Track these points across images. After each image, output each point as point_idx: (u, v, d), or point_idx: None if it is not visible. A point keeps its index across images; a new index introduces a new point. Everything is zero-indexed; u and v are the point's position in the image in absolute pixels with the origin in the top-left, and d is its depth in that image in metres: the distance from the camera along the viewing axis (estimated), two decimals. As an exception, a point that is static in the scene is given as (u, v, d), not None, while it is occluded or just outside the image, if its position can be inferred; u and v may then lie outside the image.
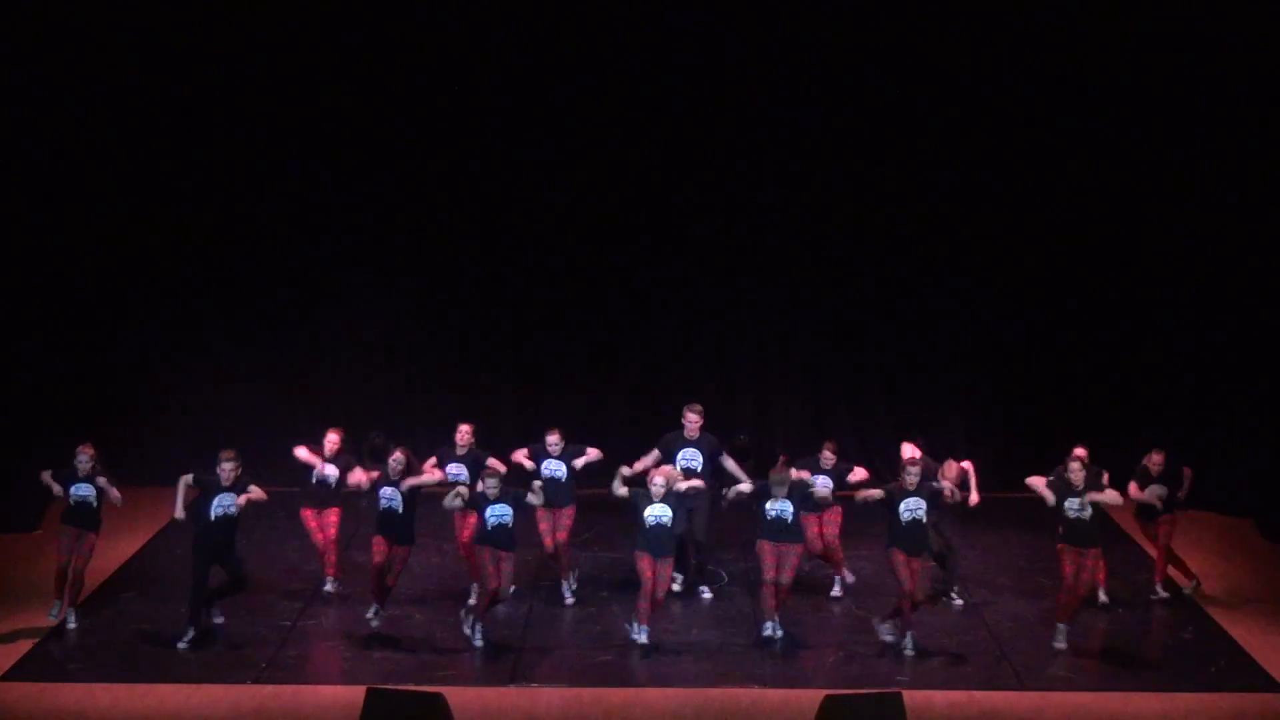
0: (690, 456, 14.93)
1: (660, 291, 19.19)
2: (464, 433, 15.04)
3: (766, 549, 14.08)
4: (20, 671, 13.37)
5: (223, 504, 13.90)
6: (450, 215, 18.96)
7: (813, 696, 12.31)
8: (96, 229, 18.52)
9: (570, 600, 15.09)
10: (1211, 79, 17.60)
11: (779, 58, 18.45)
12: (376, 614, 14.25)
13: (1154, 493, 15.09)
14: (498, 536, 13.92)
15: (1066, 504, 13.97)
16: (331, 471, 15.02)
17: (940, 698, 13.04)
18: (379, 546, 14.18)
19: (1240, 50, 17.32)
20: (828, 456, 15.00)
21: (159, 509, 17.58)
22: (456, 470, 14.80)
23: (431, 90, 18.53)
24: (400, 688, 12.51)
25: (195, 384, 18.82)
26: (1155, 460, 15.31)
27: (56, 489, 14.27)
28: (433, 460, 14.88)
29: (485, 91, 18.50)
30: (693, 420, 14.94)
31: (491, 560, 13.92)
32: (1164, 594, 15.38)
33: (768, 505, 14.07)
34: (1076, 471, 14.00)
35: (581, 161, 18.82)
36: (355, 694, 12.23)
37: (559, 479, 14.93)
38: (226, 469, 13.91)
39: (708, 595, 15.23)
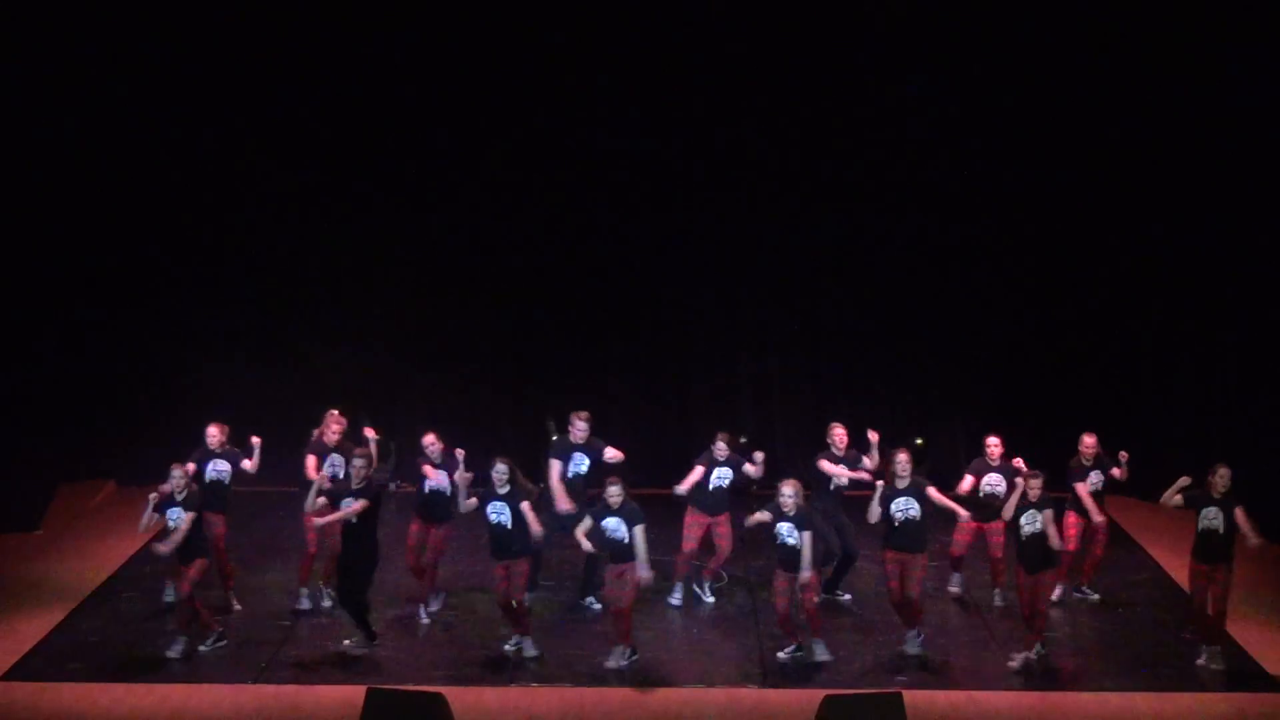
0: (578, 460, 15.03)
1: (661, 287, 19.11)
2: (334, 427, 14.92)
3: (890, 559, 13.88)
4: (21, 671, 13.36)
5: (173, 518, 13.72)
6: (454, 212, 18.87)
7: (813, 696, 12.37)
8: (100, 228, 18.42)
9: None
10: (1214, 76, 17.52)
11: (781, 50, 18.31)
12: (518, 644, 13.94)
13: (1090, 483, 14.83)
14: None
15: (1202, 513, 13.72)
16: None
17: (941, 698, 13.04)
18: (498, 572, 13.82)
19: (1242, 50, 17.26)
20: (721, 448, 14.81)
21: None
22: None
23: (440, 88, 18.51)
24: (400, 687, 12.52)
25: (196, 386, 18.66)
26: (1087, 444, 14.98)
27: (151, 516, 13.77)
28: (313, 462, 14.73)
29: (489, 86, 18.44)
30: (581, 427, 15.05)
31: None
32: (1093, 595, 15.31)
33: (893, 507, 13.79)
34: (1223, 478, 13.59)
35: (582, 155, 18.71)
36: (356, 694, 12.27)
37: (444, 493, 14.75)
38: (359, 465, 13.72)
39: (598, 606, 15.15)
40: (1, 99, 17.30)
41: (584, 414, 15.14)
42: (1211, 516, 13.66)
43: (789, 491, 13.57)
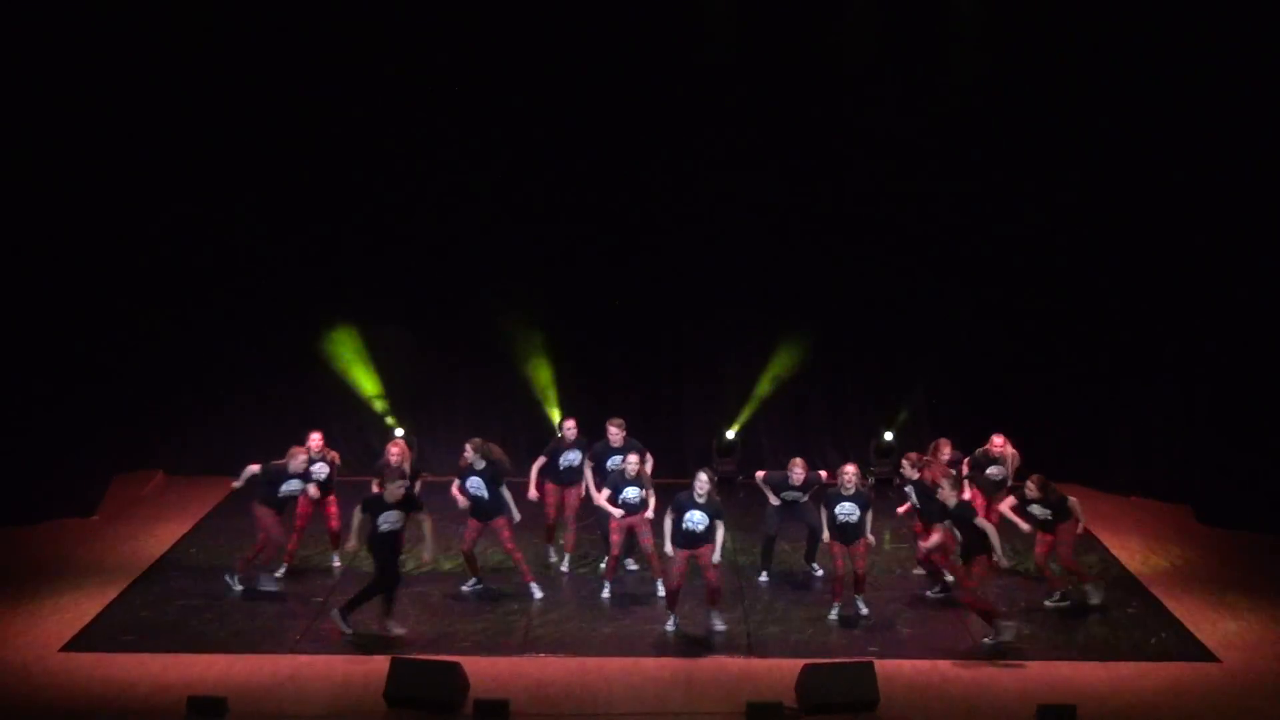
0: (619, 463, 14.99)
1: (656, 291, 18.74)
2: (393, 450, 15.05)
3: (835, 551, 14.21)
4: (80, 643, 13.38)
5: (389, 521, 13.57)
6: (456, 219, 18.42)
7: (793, 665, 12.49)
8: (153, 230, 17.98)
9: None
10: (1180, 83, 17.16)
11: (775, 54, 17.93)
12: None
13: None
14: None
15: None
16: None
17: (908, 666, 13.07)
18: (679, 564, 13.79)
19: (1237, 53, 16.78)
20: (702, 481, 14.03)
21: (204, 497, 17.75)
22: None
23: (449, 92, 18.07)
24: (421, 657, 12.55)
25: (239, 381, 18.62)
26: (996, 444, 15.48)
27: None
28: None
29: (494, 92, 18.03)
30: (614, 433, 15.19)
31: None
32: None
33: (838, 511, 14.09)
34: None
35: (572, 162, 18.30)
36: (381, 663, 12.39)
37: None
38: (398, 489, 13.64)
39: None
40: (65, 98, 16.79)
41: (618, 420, 15.29)
42: (1039, 513, 14.56)
43: (851, 470, 14.08)
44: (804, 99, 18.10)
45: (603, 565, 15.13)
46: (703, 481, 13.62)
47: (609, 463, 15.11)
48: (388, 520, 13.53)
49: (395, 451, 14.99)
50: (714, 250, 18.62)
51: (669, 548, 13.75)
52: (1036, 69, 17.66)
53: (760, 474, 15.22)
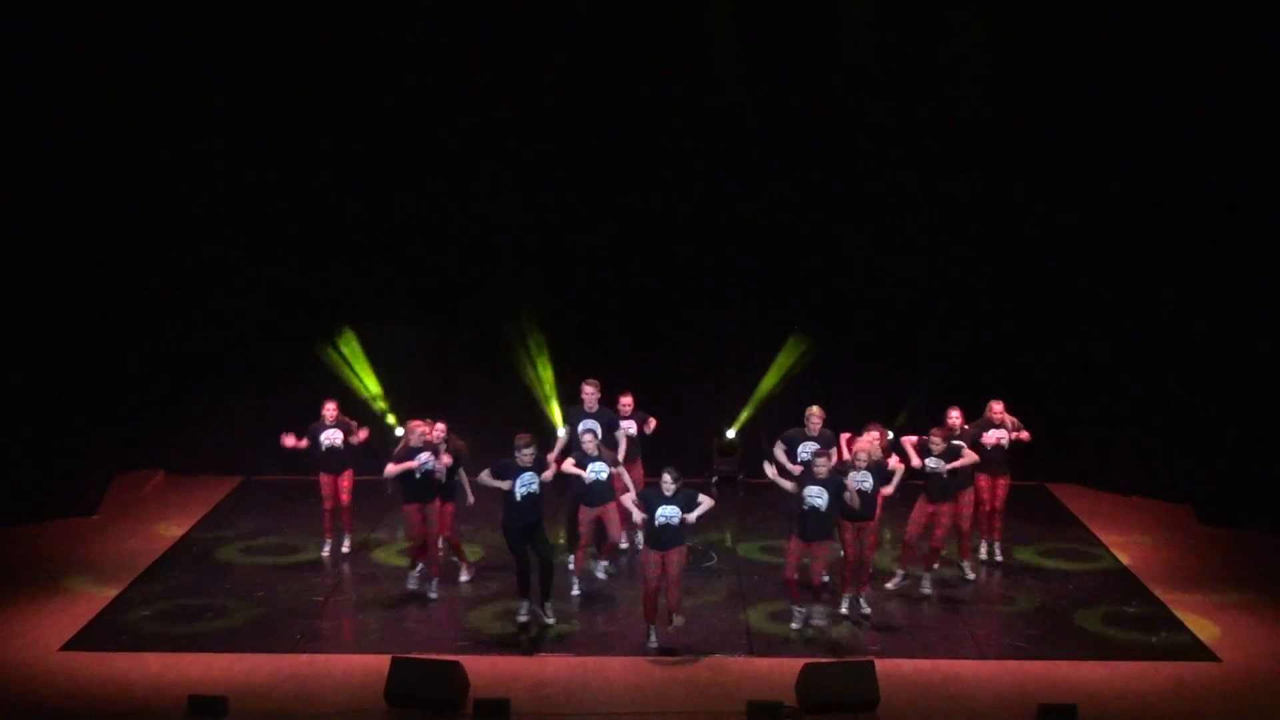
0: (589, 427, 14.95)
1: (654, 287, 18.64)
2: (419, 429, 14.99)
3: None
4: (80, 643, 13.35)
5: (525, 483, 13.58)
6: (455, 212, 18.31)
7: (794, 664, 12.46)
8: (160, 222, 17.99)
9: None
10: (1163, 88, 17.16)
11: (772, 57, 17.81)
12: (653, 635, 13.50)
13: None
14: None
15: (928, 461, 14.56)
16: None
17: (908, 666, 13.03)
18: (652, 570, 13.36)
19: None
20: (666, 482, 13.66)
21: (204, 497, 17.73)
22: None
23: (453, 94, 17.96)
24: (422, 657, 12.52)
25: (240, 380, 18.51)
26: (995, 410, 15.20)
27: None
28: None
29: (500, 93, 17.92)
30: (589, 394, 15.16)
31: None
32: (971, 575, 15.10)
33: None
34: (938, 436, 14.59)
35: (574, 163, 18.20)
36: (381, 662, 12.34)
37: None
38: (526, 455, 13.56)
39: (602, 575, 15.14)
40: (68, 98, 16.73)
41: (593, 381, 15.26)
42: (933, 465, 14.43)
43: (863, 456, 13.84)
44: (804, 100, 18.01)
45: (571, 560, 14.92)
46: (667, 482, 13.24)
47: (579, 427, 15.00)
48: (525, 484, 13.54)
49: (423, 428, 14.80)
50: (715, 250, 18.57)
51: (636, 514, 13.41)
52: (1038, 69, 17.58)
53: (772, 469, 14.67)
